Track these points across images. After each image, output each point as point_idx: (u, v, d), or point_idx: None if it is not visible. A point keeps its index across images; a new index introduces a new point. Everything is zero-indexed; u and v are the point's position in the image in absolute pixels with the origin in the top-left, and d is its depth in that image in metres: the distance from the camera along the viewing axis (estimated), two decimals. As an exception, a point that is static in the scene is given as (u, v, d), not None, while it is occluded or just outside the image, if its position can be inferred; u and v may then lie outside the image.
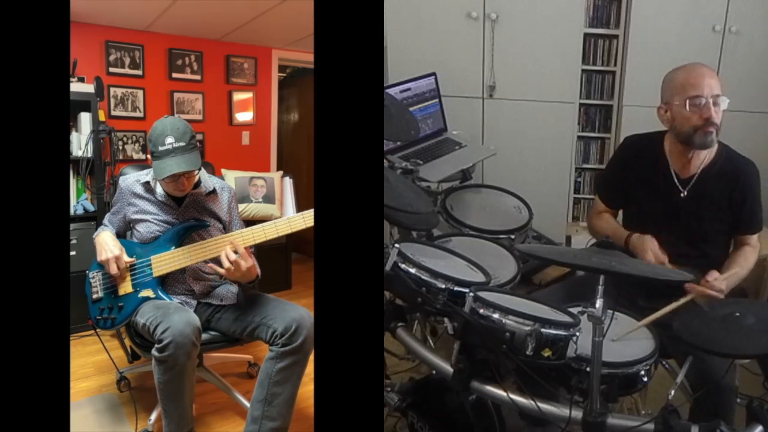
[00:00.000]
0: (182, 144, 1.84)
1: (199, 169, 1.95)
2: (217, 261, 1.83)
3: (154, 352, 1.70)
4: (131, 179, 2.04)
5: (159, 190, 2.00)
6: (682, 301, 1.50)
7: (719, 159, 1.68)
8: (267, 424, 1.78)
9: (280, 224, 1.87)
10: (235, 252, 1.80)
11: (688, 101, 1.58)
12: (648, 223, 1.72)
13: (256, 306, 1.93)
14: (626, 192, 1.80)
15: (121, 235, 2.07)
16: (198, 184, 2.01)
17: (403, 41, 2.82)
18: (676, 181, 1.69)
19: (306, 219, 1.84)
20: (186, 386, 1.75)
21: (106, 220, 2.10)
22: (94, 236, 2.04)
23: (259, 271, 1.96)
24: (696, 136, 1.59)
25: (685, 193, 1.68)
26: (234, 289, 2.05)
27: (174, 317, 1.72)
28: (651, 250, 1.62)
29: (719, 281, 1.51)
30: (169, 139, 1.83)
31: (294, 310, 1.85)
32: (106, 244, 1.93)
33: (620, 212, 1.91)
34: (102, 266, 1.93)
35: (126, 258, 1.92)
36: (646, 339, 1.45)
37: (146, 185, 2.01)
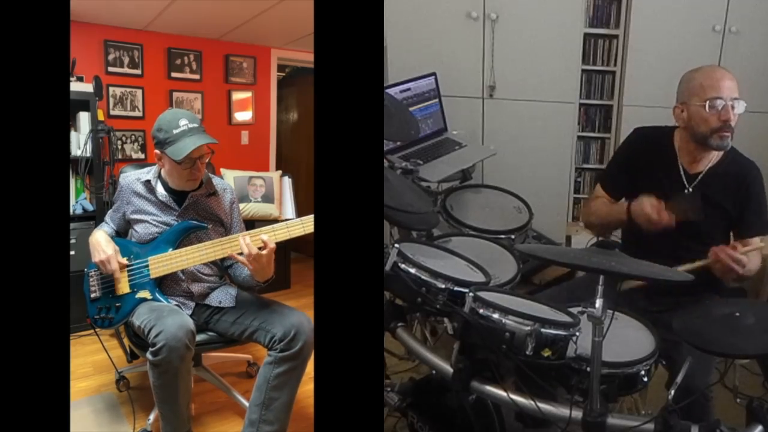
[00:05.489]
0: (196, 125, 1.87)
1: (212, 153, 1.95)
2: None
3: (148, 355, 1.69)
4: (132, 177, 2.02)
5: (160, 189, 1.98)
6: (698, 263, 1.55)
7: (726, 159, 1.69)
8: (264, 428, 1.77)
9: (278, 230, 1.85)
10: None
11: (707, 102, 1.58)
12: None
13: (254, 309, 1.92)
14: (631, 183, 1.78)
15: (122, 233, 2.07)
16: (200, 184, 2.00)
17: (403, 41, 2.82)
18: (683, 176, 1.71)
19: (305, 225, 1.81)
20: (180, 389, 1.74)
21: (107, 218, 2.09)
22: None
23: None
24: (712, 138, 1.61)
25: (691, 189, 1.69)
26: (233, 291, 2.03)
27: (167, 320, 1.70)
28: (651, 205, 1.60)
29: (742, 255, 1.51)
30: (184, 121, 1.86)
31: (293, 315, 1.84)
32: (99, 244, 1.91)
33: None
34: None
35: (120, 258, 1.91)
36: (646, 339, 1.45)
37: (147, 184, 1.98)
